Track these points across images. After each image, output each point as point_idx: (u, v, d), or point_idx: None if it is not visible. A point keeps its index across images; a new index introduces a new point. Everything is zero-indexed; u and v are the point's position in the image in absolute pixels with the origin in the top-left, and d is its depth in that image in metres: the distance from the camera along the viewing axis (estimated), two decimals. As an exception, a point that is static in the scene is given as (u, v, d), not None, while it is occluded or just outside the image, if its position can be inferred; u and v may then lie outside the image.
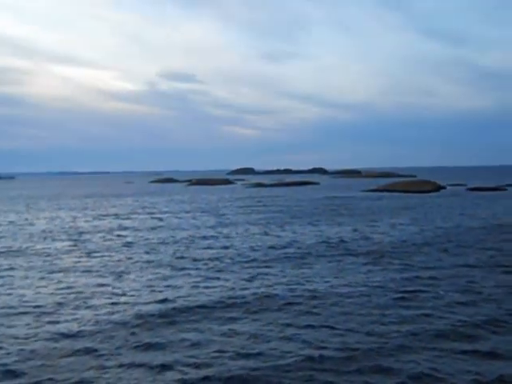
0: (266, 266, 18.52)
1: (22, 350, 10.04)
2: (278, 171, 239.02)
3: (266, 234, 27.92)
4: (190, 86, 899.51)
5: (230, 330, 11.26)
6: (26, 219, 38.00)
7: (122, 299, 13.89)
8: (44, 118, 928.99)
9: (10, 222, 35.55)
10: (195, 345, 10.34)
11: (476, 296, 14.03)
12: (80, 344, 10.36)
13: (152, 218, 38.08)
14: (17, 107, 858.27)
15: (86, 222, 35.58)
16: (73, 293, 14.59)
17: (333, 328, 11.33)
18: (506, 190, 68.62)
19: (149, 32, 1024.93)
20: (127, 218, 37.67)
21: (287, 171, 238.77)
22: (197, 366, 9.24)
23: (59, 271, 17.89)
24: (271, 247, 22.84)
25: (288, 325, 11.59)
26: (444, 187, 73.44)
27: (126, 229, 30.85)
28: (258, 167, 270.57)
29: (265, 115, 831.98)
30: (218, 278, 16.46)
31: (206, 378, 8.78)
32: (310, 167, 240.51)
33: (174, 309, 12.84)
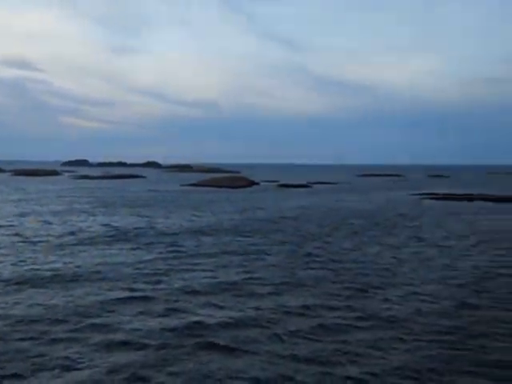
0: (33, 251, 19.76)
1: None
2: (112, 164, 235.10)
3: (57, 223, 28.37)
4: (28, 74, 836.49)
5: None
6: None
7: None
8: None
9: None
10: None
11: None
12: None
13: None
14: None
15: None
16: None
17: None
18: (311, 187, 75.94)
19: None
20: None
21: (121, 164, 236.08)
22: None
23: None
24: (51, 235, 23.85)
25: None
26: (258, 183, 78.92)
27: None
28: (94, 160, 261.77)
29: (107, 108, 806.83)
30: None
31: None
32: (145, 161, 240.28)
33: None
